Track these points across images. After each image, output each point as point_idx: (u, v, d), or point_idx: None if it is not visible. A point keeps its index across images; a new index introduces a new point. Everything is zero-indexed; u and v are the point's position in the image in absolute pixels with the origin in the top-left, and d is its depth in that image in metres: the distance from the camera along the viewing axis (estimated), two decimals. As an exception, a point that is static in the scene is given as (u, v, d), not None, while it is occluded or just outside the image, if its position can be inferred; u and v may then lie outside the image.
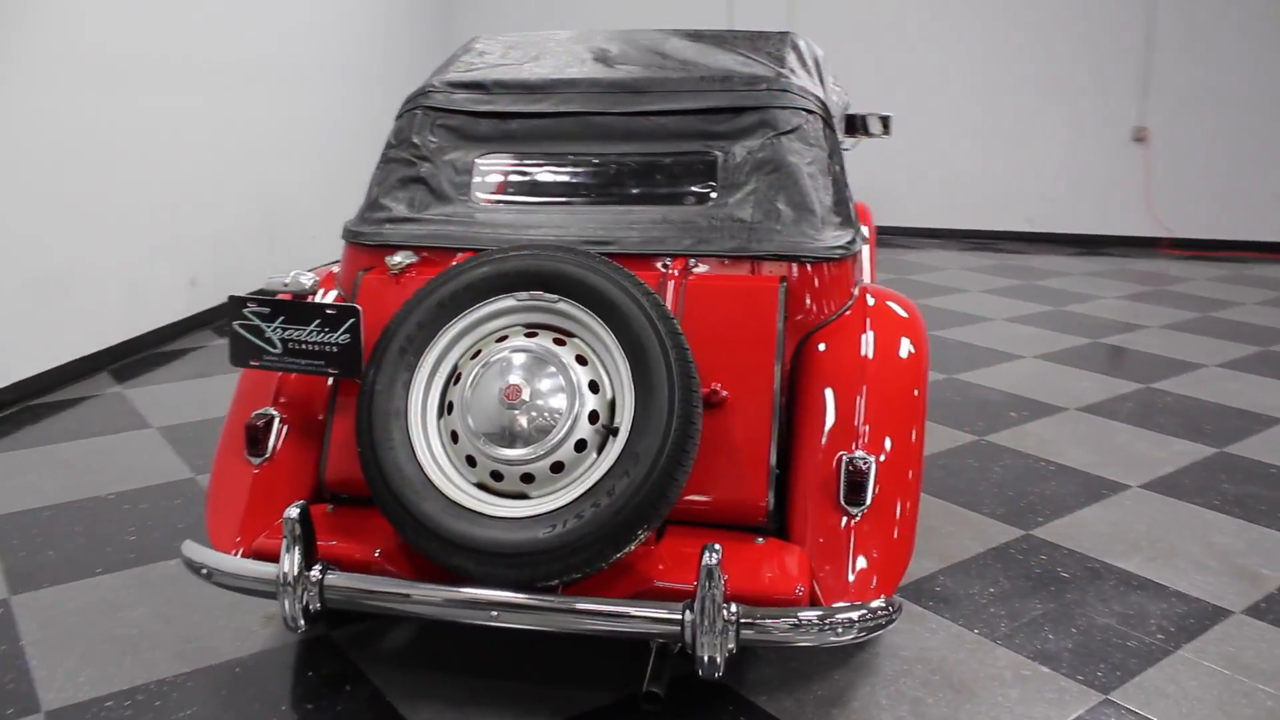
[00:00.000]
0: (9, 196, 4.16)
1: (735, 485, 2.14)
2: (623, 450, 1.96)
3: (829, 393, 2.26)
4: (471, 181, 2.58)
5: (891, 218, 8.96)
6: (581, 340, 2.11)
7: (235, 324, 2.27)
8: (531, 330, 2.13)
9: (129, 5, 4.83)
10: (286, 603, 2.01)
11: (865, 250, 4.12)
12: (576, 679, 2.35)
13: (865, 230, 4.23)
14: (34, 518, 3.19)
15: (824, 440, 2.20)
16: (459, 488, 2.03)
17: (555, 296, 2.10)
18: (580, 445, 2.01)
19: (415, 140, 2.63)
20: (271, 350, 2.27)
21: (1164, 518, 3.26)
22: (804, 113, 2.54)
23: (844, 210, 2.53)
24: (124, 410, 4.25)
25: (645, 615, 1.92)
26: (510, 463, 2.01)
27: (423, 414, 2.10)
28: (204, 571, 2.13)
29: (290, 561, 2.00)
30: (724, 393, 2.17)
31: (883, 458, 2.17)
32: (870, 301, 2.47)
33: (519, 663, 2.41)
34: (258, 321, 2.27)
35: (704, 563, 1.84)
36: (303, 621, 2.02)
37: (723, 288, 2.28)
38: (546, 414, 2.01)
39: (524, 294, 2.12)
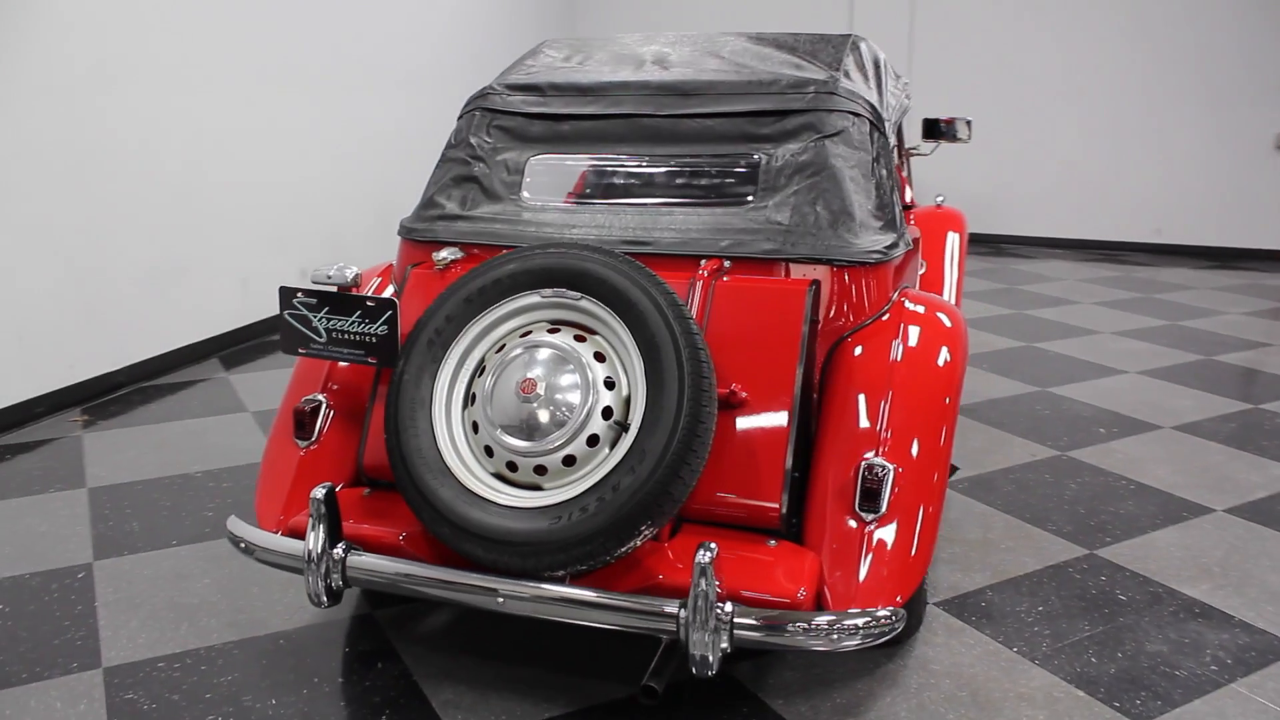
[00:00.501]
0: (136, 192, 4.47)
1: (750, 487, 2.14)
2: (631, 447, 1.98)
3: (854, 397, 2.23)
4: (522, 181, 2.66)
5: (1011, 226, 8.71)
6: (602, 338, 2.14)
7: (285, 313, 2.40)
8: (555, 326, 2.18)
9: (251, 13, 5.13)
10: (310, 579, 2.11)
11: (954, 256, 4.05)
12: (596, 670, 2.39)
13: (957, 239, 4.17)
14: (127, 491, 3.44)
15: (844, 445, 2.18)
16: (476, 476, 2.10)
17: (578, 294, 2.15)
18: (592, 440, 2.05)
19: (472, 140, 2.72)
20: (317, 339, 2.39)
21: (1245, 544, 3.08)
22: (851, 116, 2.52)
23: (887, 214, 2.50)
24: (226, 394, 4.51)
25: (641, 609, 1.94)
26: (524, 454, 2.06)
27: (447, 404, 2.17)
28: (242, 545, 2.27)
29: (315, 539, 2.10)
30: (743, 394, 2.17)
31: (902, 465, 2.13)
32: (909, 307, 2.43)
33: (544, 651, 2.47)
34: (305, 311, 2.39)
35: (696, 561, 1.85)
36: (325, 598, 2.12)
37: (751, 290, 2.28)
38: (560, 408, 2.05)
39: (548, 291, 2.17)
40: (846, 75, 2.66)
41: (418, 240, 2.63)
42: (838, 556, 2.08)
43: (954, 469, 3.00)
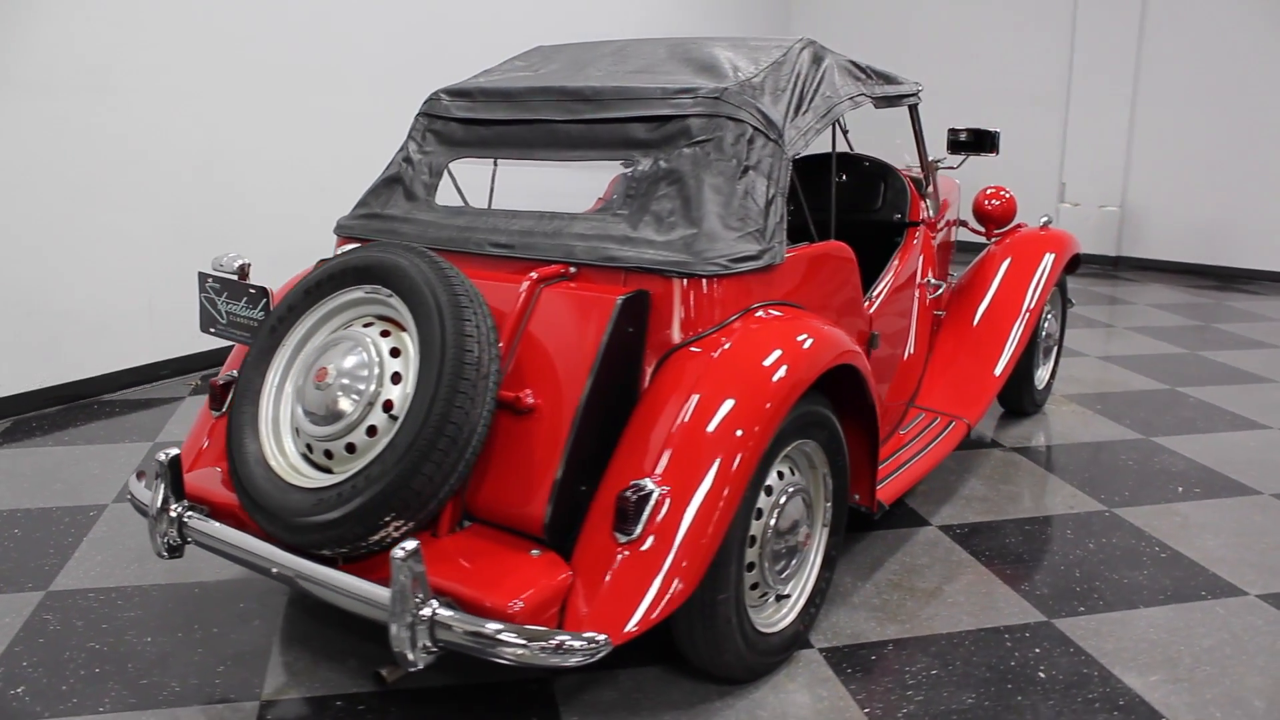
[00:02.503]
0: (261, 188, 5.03)
1: (521, 493, 2.13)
2: (390, 440, 2.05)
3: (654, 413, 2.15)
4: (438, 184, 2.77)
5: (1244, 259, 7.60)
6: (407, 334, 2.21)
7: (201, 295, 2.68)
8: (373, 320, 2.28)
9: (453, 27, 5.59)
10: (150, 532, 2.35)
11: (1040, 278, 3.76)
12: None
13: (1051, 259, 3.86)
14: (181, 447, 3.90)
15: (627, 461, 2.11)
16: (285, 455, 2.24)
17: (389, 291, 2.24)
18: (371, 431, 2.13)
19: (410, 144, 2.86)
20: (221, 321, 2.65)
21: (1250, 637, 2.60)
22: (729, 123, 2.41)
23: (751, 225, 2.35)
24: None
25: (363, 597, 2.00)
26: (317, 439, 2.18)
27: (279, 386, 2.33)
28: (129, 498, 2.55)
29: (156, 498, 2.33)
30: (530, 401, 2.16)
31: (675, 489, 2.03)
32: (753, 322, 2.29)
33: (396, 634, 2.56)
34: (213, 295, 2.65)
35: (392, 556, 1.88)
36: (164, 552, 2.35)
37: (566, 298, 2.25)
38: (346, 398, 2.15)
39: (369, 287, 2.28)
40: (755, 84, 2.54)
41: (343, 236, 2.82)
42: (586, 575, 2.02)
43: (881, 507, 2.76)
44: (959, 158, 3.68)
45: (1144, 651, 2.54)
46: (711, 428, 2.11)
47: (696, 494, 2.04)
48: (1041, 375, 4.34)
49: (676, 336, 2.26)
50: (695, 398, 2.14)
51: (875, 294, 3.03)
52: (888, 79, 3.10)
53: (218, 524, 2.30)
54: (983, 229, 4.27)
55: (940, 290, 3.50)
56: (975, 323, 3.79)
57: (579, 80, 2.69)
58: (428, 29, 5.76)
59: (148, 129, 4.49)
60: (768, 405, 2.16)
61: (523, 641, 1.86)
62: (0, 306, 4.10)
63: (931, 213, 3.47)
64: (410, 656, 1.91)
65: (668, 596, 1.98)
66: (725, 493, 2.06)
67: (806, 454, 2.47)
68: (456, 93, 2.86)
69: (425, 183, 2.78)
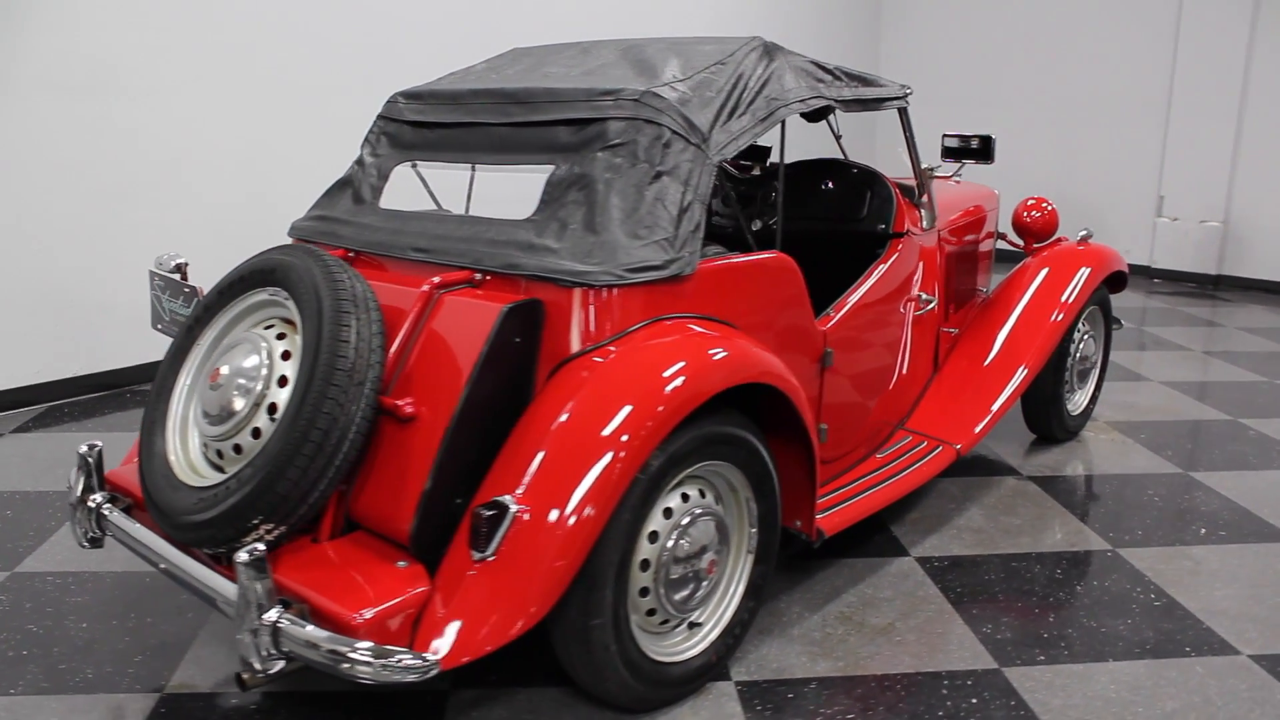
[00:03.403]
0: (302, 190, 5.14)
1: (392, 503, 2.08)
2: (264, 444, 2.04)
3: (532, 425, 2.08)
4: (383, 187, 2.75)
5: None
6: (300, 337, 2.20)
7: (151, 293, 2.74)
8: (274, 323, 2.27)
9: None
10: (71, 523, 2.41)
11: (1072, 292, 3.56)
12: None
13: (1085, 274, 3.64)
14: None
15: (496, 477, 2.04)
16: (186, 452, 2.26)
17: (286, 294, 2.23)
18: (256, 433, 2.12)
19: (365, 147, 2.86)
20: (165, 318, 2.70)
21: (1224, 705, 2.33)
22: (646, 125, 2.30)
23: (656, 233, 2.23)
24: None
25: (223, 599, 1.99)
26: (210, 438, 2.19)
27: (190, 384, 2.35)
28: (67, 487, 2.62)
29: (76, 488, 2.39)
30: (409, 409, 2.11)
31: (534, 509, 1.95)
32: (654, 335, 2.19)
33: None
34: (159, 293, 2.71)
35: (236, 559, 1.87)
36: (85, 543, 2.40)
37: (461, 306, 2.20)
38: (237, 399, 2.15)
39: (271, 289, 2.27)
40: (683, 86, 2.43)
41: (295, 238, 2.83)
42: (443, 592, 1.97)
43: (820, 534, 2.60)
44: (955, 165, 3.46)
45: (1094, 711, 2.31)
46: (583, 442, 2.02)
47: (558, 514, 1.96)
48: (1077, 400, 4.04)
49: (573, 347, 2.18)
50: (569, 411, 2.05)
51: (837, 308, 2.85)
52: (864, 81, 2.92)
53: (126, 517, 2.34)
54: (1022, 242, 4.02)
55: (930, 306, 3.28)
56: (992, 342, 3.57)
57: (518, 82, 2.64)
58: (478, 40, 5.81)
59: (183, 131, 4.66)
60: (650, 419, 2.04)
61: (358, 657, 1.81)
62: (38, 297, 4.32)
63: (926, 224, 3.26)
64: (256, 664, 1.89)
65: (508, 623, 1.91)
66: (588, 513, 1.96)
67: (724, 476, 2.34)
68: (411, 95, 2.84)
69: (373, 185, 2.77)
